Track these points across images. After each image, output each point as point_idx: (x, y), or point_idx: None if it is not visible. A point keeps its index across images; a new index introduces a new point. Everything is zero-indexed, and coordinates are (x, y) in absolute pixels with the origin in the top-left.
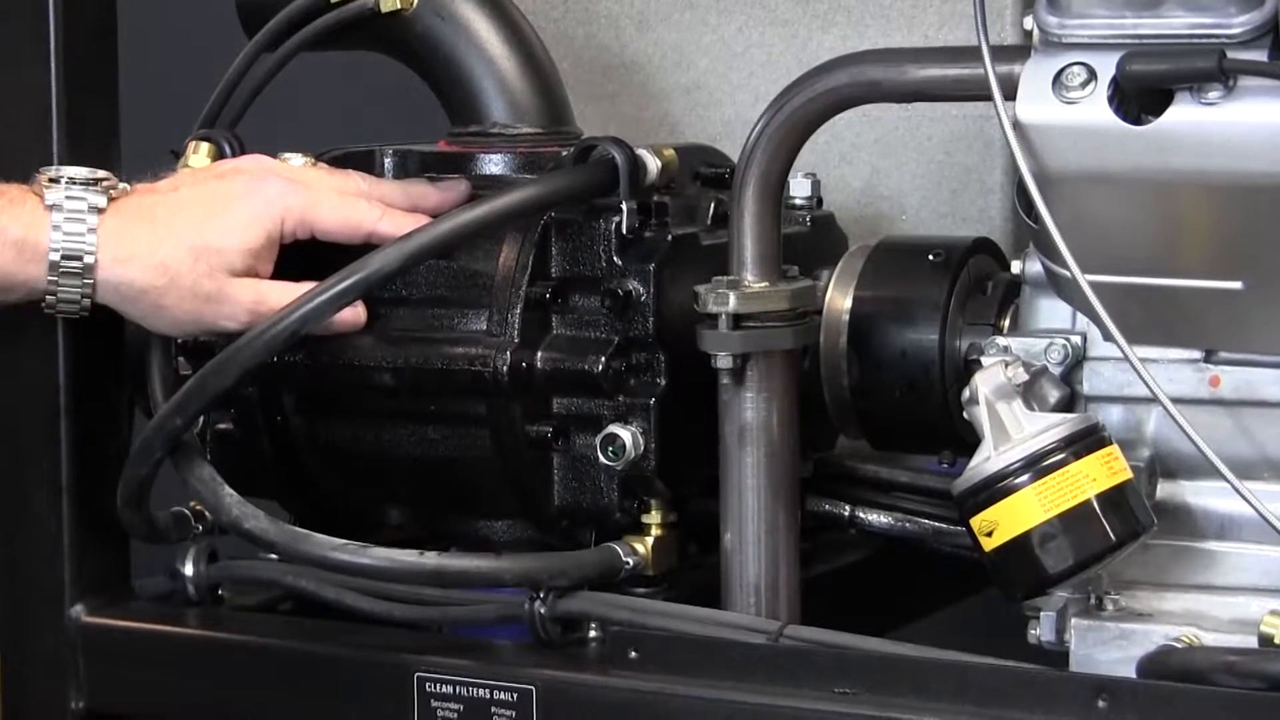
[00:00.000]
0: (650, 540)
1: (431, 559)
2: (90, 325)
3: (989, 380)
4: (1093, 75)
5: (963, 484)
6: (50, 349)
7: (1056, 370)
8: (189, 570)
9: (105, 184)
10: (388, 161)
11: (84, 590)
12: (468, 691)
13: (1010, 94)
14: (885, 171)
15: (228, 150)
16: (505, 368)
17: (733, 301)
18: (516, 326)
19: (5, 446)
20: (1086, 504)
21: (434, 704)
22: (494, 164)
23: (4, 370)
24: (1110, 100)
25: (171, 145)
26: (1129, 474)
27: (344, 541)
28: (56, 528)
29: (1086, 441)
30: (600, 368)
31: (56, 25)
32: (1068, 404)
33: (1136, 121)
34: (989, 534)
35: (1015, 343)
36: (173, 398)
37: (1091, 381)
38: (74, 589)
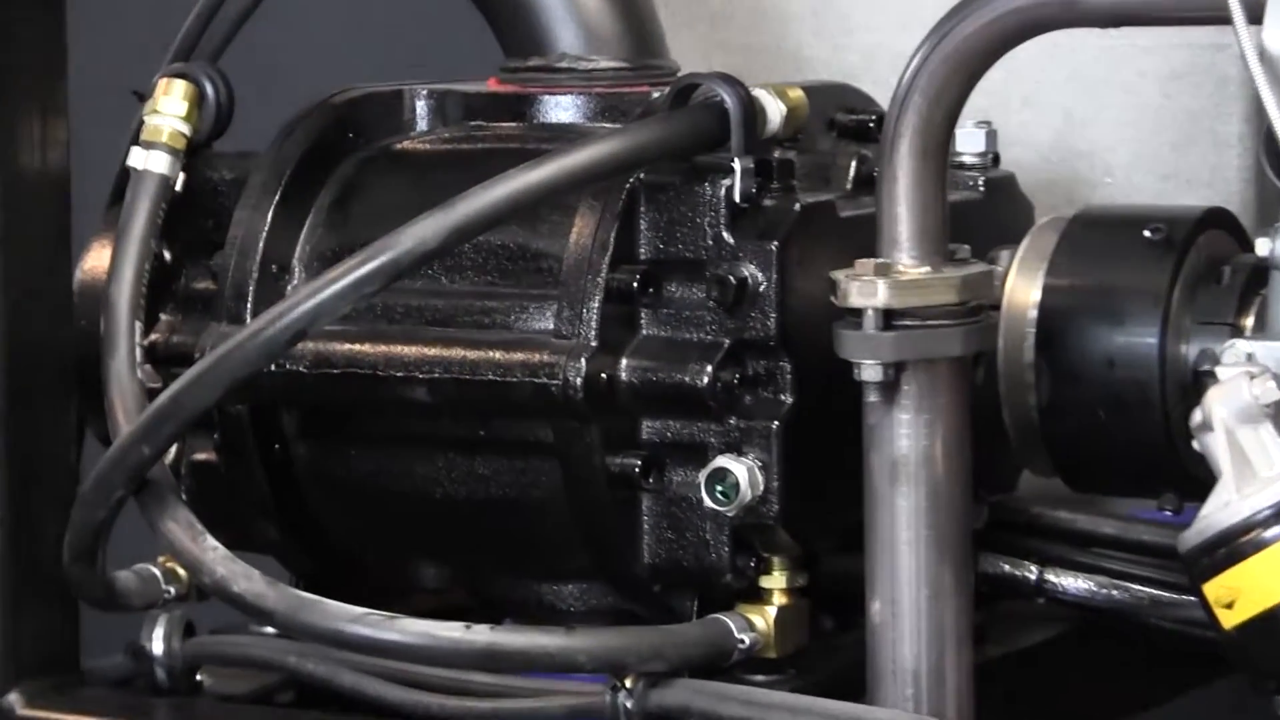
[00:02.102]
0: (772, 611)
1: (481, 634)
2: (28, 322)
3: (1228, 399)
4: None
5: (1193, 538)
6: None
7: None
8: (158, 647)
9: None
10: (420, 105)
11: (20, 672)
12: None
13: (1257, 15)
14: (1083, 119)
15: (209, 90)
16: (579, 380)
17: (883, 292)
18: (594, 325)
19: None
20: None
21: None
22: (562, 108)
23: None
24: None
25: (135, 84)
26: None
27: (364, 611)
28: None
29: None
30: (705, 380)
31: None
32: None
33: None
34: (1229, 605)
35: (1262, 348)
36: (139, 418)
37: None
38: (7, 670)
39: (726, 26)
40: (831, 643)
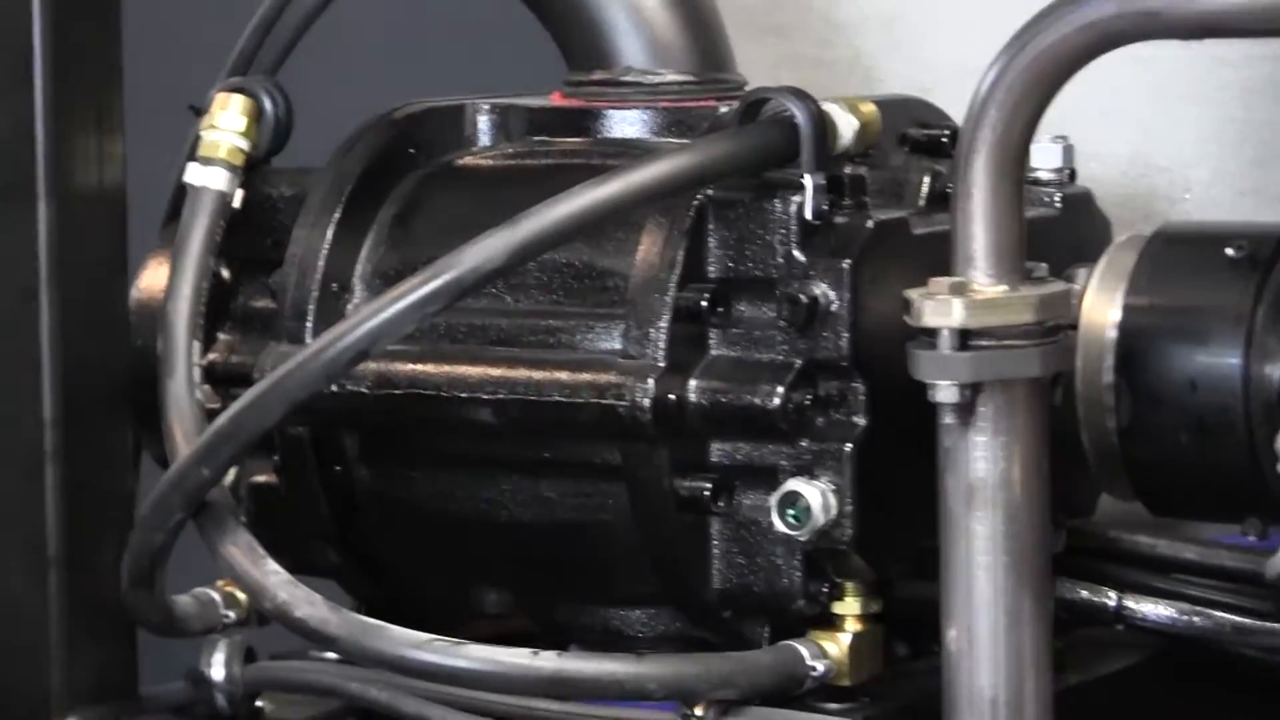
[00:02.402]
0: (845, 638)
1: (549, 661)
2: (84, 342)
3: None
4: None
5: None
6: (32, 373)
7: None
8: (217, 673)
9: None
10: (482, 120)
11: (77, 699)
12: None
13: None
14: (1161, 134)
15: (267, 105)
16: (648, 401)
17: (958, 311)
18: (662, 345)
19: None
20: None
21: None
22: (628, 123)
23: None
24: None
25: (192, 98)
26: None
27: (428, 637)
28: (40, 614)
29: None
30: (777, 402)
31: None
32: None
33: None
34: None
35: None
36: (198, 440)
37: None
38: (64, 697)
39: (795, 39)
40: (905, 670)
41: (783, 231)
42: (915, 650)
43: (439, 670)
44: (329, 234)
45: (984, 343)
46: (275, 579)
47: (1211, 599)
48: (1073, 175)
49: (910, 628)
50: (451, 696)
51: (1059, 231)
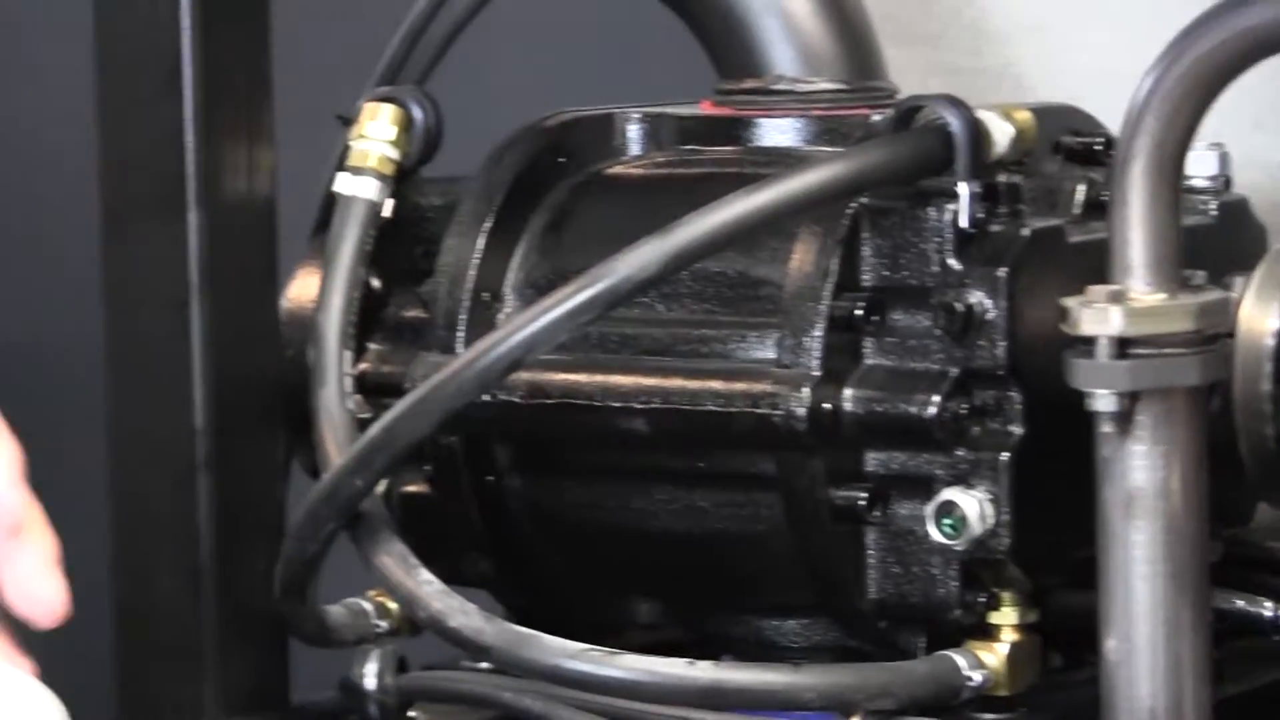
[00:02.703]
0: (1003, 647)
1: (705, 671)
2: (235, 352)
3: None
4: None
5: None
6: (183, 383)
7: None
8: (370, 683)
9: None
10: (632, 129)
11: (231, 709)
12: None
13: None
14: None
15: (416, 114)
16: (803, 410)
17: (1117, 320)
18: (817, 354)
19: (124, 515)
20: None
21: None
22: (780, 132)
23: (127, 413)
24: None
25: (338, 106)
26: None
27: (583, 646)
28: (192, 623)
29: None
30: (933, 411)
31: None
32: None
33: None
34: None
35: None
36: (351, 450)
37: None
38: (217, 706)
39: (946, 47)
40: (1061, 681)
41: (938, 240)
42: (1071, 661)
43: (594, 680)
44: (480, 243)
45: (1142, 351)
46: (429, 589)
47: None
48: (1228, 183)
49: (1065, 638)
50: (606, 707)
51: (1215, 239)
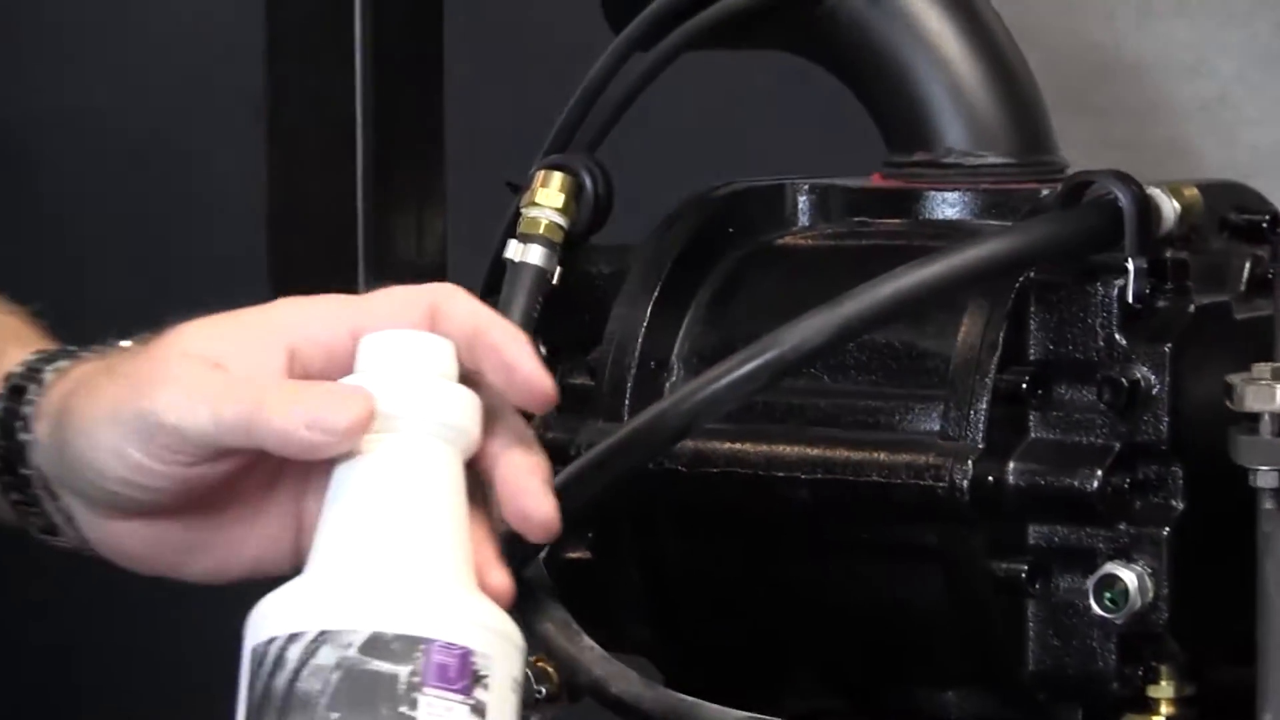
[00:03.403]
0: None
1: None
2: None
3: None
4: None
5: None
6: None
7: None
8: None
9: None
10: (802, 200)
11: None
12: None
13: None
14: None
15: (587, 182)
16: (966, 483)
17: None
18: (982, 427)
19: None
20: None
21: None
22: (949, 205)
23: None
24: None
25: (510, 173)
26: None
27: (745, 715)
28: None
29: None
30: (1096, 485)
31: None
32: None
33: None
34: None
35: None
36: None
37: None
38: None
39: (1114, 121)
40: None
41: (1104, 314)
42: None
43: None
44: (648, 311)
45: None
46: (590, 654)
47: None
48: None
49: (1223, 713)
50: None
51: None
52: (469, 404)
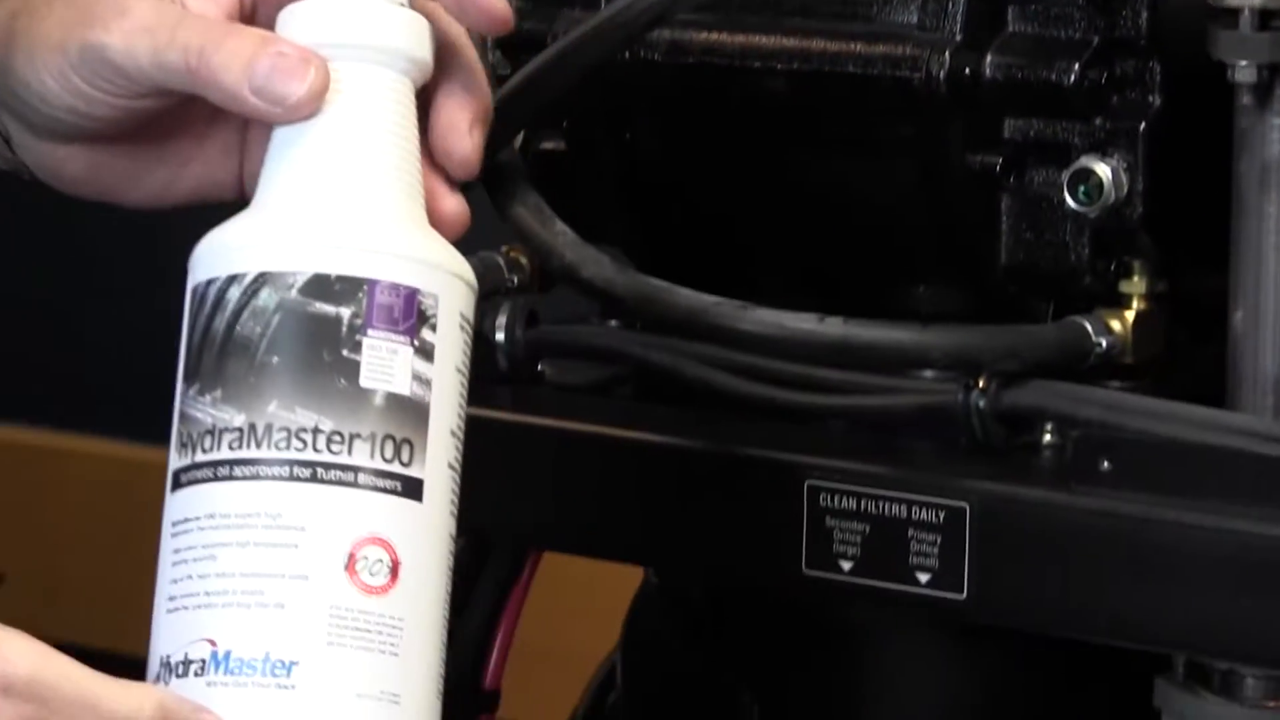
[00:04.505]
0: (1131, 315)
1: (834, 326)
2: None
3: None
4: None
5: None
6: None
7: None
8: (500, 334)
9: None
10: None
11: None
12: (875, 508)
13: None
14: None
15: None
16: (943, 74)
17: None
18: (960, 19)
19: None
20: None
21: (829, 522)
22: None
23: None
24: None
25: None
26: None
27: (715, 299)
28: None
29: None
30: (1073, 78)
31: None
32: None
33: None
34: None
35: None
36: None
37: None
38: None
39: None
40: (1187, 354)
41: None
42: (1196, 335)
43: (725, 333)
44: None
45: None
46: (564, 239)
47: None
48: None
49: (1192, 313)
50: (733, 363)
51: None
52: (420, 29)
